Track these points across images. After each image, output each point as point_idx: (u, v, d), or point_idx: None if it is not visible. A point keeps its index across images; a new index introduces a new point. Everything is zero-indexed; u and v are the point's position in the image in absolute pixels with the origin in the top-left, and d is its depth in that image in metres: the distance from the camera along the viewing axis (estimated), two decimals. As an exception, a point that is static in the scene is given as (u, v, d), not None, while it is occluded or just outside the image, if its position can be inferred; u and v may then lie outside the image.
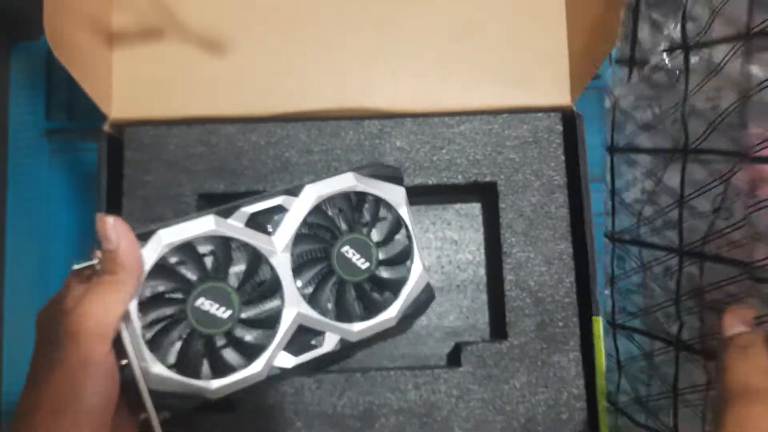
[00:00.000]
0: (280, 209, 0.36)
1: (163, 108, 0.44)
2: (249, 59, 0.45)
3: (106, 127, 0.43)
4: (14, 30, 0.51)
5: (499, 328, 0.44)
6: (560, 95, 0.45)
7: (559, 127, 0.44)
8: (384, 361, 0.46)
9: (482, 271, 0.47)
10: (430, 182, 0.43)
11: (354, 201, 0.38)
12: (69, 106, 0.51)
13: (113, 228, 0.29)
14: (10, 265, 0.49)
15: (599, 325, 0.41)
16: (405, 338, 0.46)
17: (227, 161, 0.43)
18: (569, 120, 0.44)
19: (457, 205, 0.48)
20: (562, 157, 0.44)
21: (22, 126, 0.50)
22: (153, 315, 0.32)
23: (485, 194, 0.46)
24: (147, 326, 0.32)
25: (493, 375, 0.41)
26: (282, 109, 0.44)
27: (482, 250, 0.47)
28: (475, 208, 0.48)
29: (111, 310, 0.28)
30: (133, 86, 0.44)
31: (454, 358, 0.43)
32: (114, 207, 0.42)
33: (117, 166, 0.43)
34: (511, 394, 0.41)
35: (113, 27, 0.45)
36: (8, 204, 0.49)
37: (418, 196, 0.46)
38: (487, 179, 0.44)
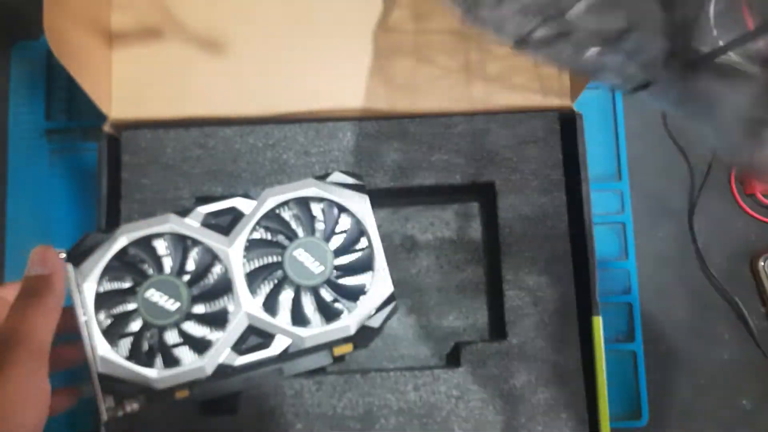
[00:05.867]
0: (236, 211, 0.37)
1: (162, 108, 0.44)
2: (248, 60, 0.45)
3: (106, 127, 0.43)
4: (14, 30, 0.51)
5: (498, 328, 0.44)
6: (560, 95, 0.45)
7: (557, 127, 0.44)
8: (383, 362, 0.46)
9: (481, 271, 0.47)
10: (428, 182, 0.43)
11: (314, 208, 0.38)
12: (69, 106, 0.51)
13: (50, 256, 0.32)
14: (10, 265, 0.49)
15: (599, 324, 0.41)
16: (404, 339, 0.46)
17: (224, 164, 0.43)
18: (568, 120, 0.44)
19: (456, 205, 0.48)
20: (560, 157, 0.44)
21: (22, 126, 0.50)
22: (109, 306, 0.35)
23: (483, 194, 0.46)
24: (104, 316, 0.35)
25: (493, 375, 0.41)
26: (279, 110, 0.44)
27: (481, 250, 0.47)
28: (474, 208, 0.48)
29: (49, 332, 0.30)
30: (132, 86, 0.44)
31: (454, 359, 0.43)
32: (112, 209, 0.42)
33: (117, 166, 0.43)
34: (510, 394, 0.41)
35: (113, 27, 0.45)
36: (8, 204, 0.49)
37: (416, 196, 0.46)
38: (485, 179, 0.44)
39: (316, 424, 0.40)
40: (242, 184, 0.43)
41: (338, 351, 0.37)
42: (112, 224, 0.42)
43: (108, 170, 0.42)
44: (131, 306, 0.35)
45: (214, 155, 0.43)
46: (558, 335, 0.42)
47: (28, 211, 0.49)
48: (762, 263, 0.50)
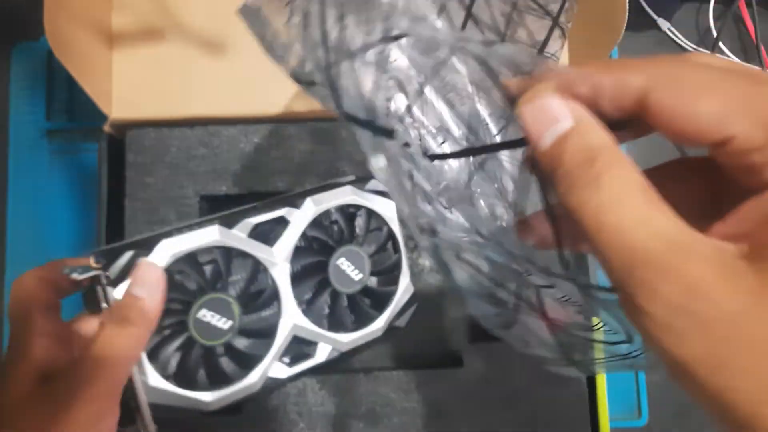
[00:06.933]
0: (282, 220, 0.36)
1: (163, 108, 0.44)
2: (250, 59, 0.45)
3: (106, 128, 0.43)
4: (14, 30, 0.51)
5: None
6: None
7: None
8: (386, 362, 0.46)
9: (483, 271, 0.47)
10: (431, 182, 0.43)
11: (348, 213, 0.38)
12: (69, 106, 0.50)
13: (153, 278, 0.29)
14: (10, 265, 0.49)
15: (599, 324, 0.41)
16: (407, 338, 0.46)
17: (229, 163, 0.43)
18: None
19: (458, 205, 0.48)
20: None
21: (22, 126, 0.50)
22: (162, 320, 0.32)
23: (486, 194, 0.46)
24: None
25: (495, 375, 0.41)
26: (284, 109, 0.44)
27: (483, 250, 0.48)
28: (476, 208, 0.48)
29: (129, 371, 0.28)
30: (133, 86, 0.44)
31: (457, 358, 0.43)
32: (115, 208, 0.42)
33: (118, 166, 0.43)
34: (512, 393, 0.41)
35: (113, 27, 0.45)
36: (8, 204, 0.49)
37: (419, 196, 0.46)
38: (488, 179, 0.44)
39: (319, 423, 0.40)
40: (246, 183, 0.43)
41: None
42: (114, 224, 0.42)
43: (109, 170, 0.42)
44: (174, 324, 0.33)
45: (219, 154, 0.43)
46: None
47: (28, 211, 0.49)
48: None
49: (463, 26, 0.36)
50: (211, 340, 0.33)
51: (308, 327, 0.35)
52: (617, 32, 0.38)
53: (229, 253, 0.34)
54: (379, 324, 0.37)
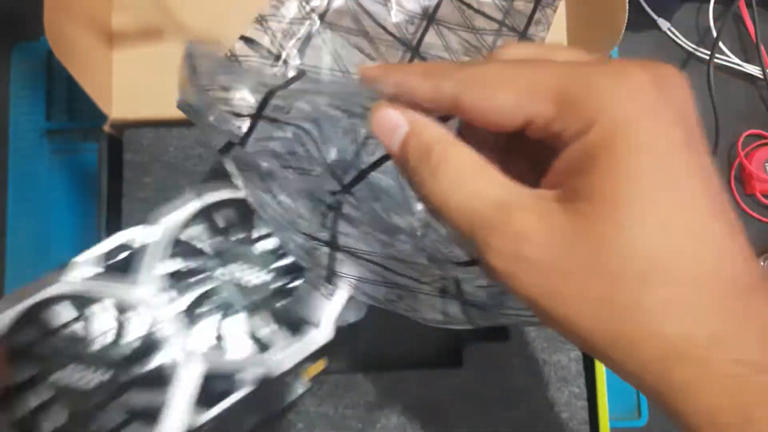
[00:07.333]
0: (128, 247, 0.30)
1: (163, 108, 0.44)
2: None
3: (106, 127, 0.43)
4: (14, 30, 0.51)
5: (499, 328, 0.44)
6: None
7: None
8: (386, 362, 0.46)
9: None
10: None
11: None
12: (69, 107, 0.50)
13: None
14: (10, 265, 0.49)
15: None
16: (406, 338, 0.46)
17: (227, 162, 0.43)
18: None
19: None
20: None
21: (22, 126, 0.50)
22: (14, 408, 0.27)
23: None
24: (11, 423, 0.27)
25: (494, 375, 0.41)
26: (282, 109, 0.44)
27: (482, 250, 0.47)
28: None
29: None
30: (133, 86, 0.44)
31: (456, 358, 0.43)
32: (115, 209, 0.42)
33: (118, 166, 0.43)
34: (511, 393, 0.41)
35: (113, 27, 0.45)
36: (8, 205, 0.49)
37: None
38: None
39: (317, 424, 0.40)
40: (244, 183, 0.43)
41: (312, 371, 0.33)
42: (114, 224, 0.42)
43: (109, 170, 0.42)
44: (41, 402, 0.28)
45: (216, 154, 0.43)
46: (558, 335, 0.42)
47: (28, 211, 0.49)
48: (762, 263, 0.50)
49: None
50: (86, 404, 0.28)
51: (216, 358, 0.29)
52: (617, 32, 0.38)
53: (80, 302, 0.28)
54: (323, 325, 0.32)
